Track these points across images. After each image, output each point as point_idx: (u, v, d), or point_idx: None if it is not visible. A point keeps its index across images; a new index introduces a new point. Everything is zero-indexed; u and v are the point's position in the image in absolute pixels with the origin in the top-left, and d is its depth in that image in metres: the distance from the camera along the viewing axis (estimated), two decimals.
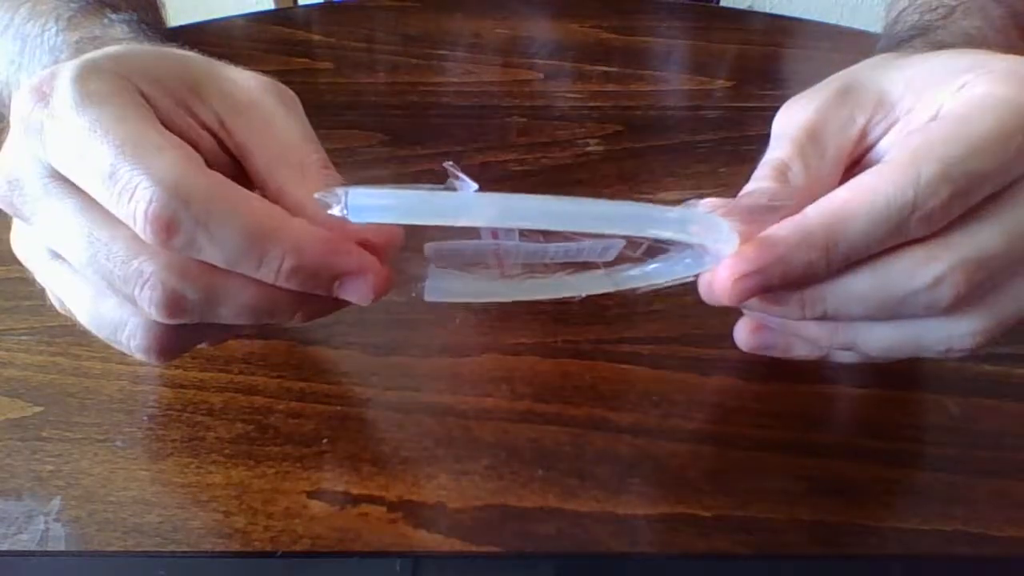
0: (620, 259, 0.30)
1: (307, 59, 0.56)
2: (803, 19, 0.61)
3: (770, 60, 0.58)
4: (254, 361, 0.37)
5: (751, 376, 0.36)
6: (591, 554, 0.30)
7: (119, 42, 0.37)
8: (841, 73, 0.32)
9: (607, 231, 0.27)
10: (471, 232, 0.28)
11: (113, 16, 0.40)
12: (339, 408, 0.35)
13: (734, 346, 0.33)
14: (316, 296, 0.28)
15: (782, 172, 0.29)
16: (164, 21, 0.49)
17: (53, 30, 0.40)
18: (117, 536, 0.31)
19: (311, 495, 0.32)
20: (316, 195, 0.26)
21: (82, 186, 0.27)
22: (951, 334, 0.28)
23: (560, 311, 0.38)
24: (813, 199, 0.27)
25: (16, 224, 0.30)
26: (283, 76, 0.31)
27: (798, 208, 0.27)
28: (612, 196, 0.30)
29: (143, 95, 0.28)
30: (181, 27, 0.58)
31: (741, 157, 0.47)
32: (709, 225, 0.27)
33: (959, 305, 0.27)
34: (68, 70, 0.27)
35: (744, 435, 0.34)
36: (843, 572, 0.30)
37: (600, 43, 0.58)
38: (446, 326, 0.38)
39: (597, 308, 0.38)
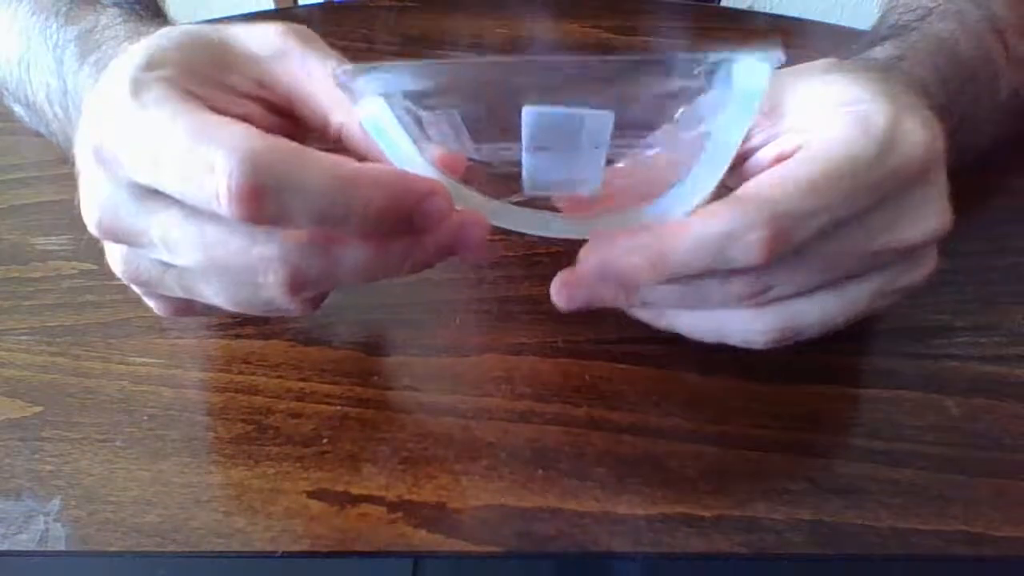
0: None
1: None
2: (803, 19, 0.61)
3: None
4: (254, 361, 0.37)
5: (751, 376, 0.36)
6: (591, 554, 0.30)
7: (111, 30, 0.38)
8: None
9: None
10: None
11: (105, 0, 0.40)
12: (339, 408, 0.35)
13: (734, 346, 0.33)
14: (414, 242, 0.28)
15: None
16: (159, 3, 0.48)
17: (54, 25, 0.40)
18: (117, 536, 0.31)
19: (311, 495, 0.32)
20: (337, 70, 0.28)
21: (169, 188, 0.27)
22: (748, 328, 0.31)
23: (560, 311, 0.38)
24: None
25: (112, 248, 0.31)
26: None
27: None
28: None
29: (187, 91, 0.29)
30: None
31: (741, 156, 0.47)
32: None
33: (751, 302, 0.30)
34: (121, 85, 0.28)
35: (744, 435, 0.34)
36: (843, 572, 0.30)
37: (600, 43, 0.58)
38: (446, 326, 0.38)
39: (597, 308, 0.38)
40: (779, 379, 0.36)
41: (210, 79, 0.30)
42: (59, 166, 0.47)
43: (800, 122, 0.31)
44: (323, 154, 0.27)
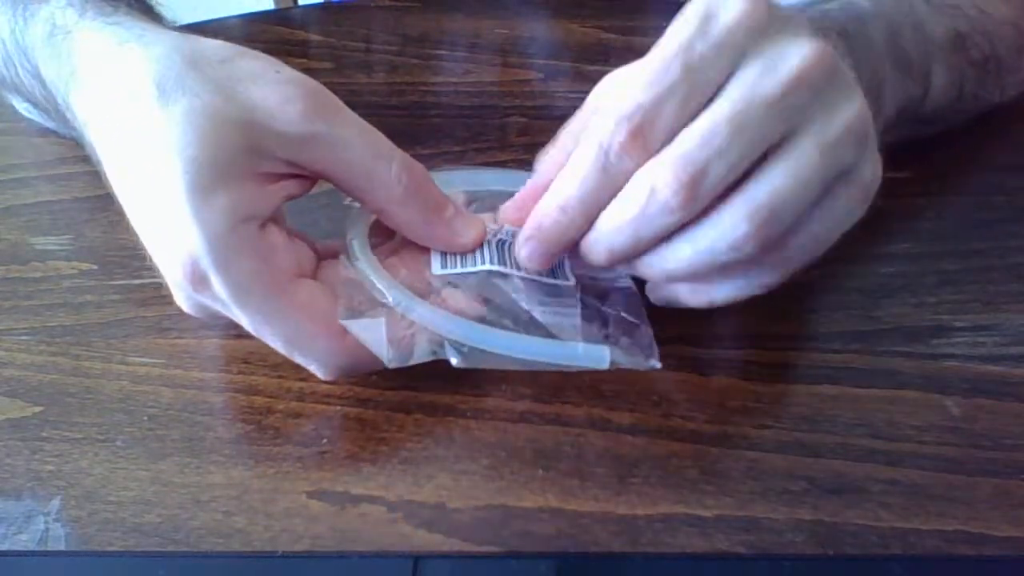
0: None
1: (306, 59, 0.56)
2: None
3: None
4: (254, 361, 0.37)
5: (751, 376, 0.36)
6: (591, 554, 0.30)
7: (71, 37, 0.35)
8: None
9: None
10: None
11: None
12: (339, 408, 0.35)
13: (734, 346, 0.33)
14: None
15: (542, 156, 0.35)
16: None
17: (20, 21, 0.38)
18: (117, 536, 0.31)
19: (311, 495, 0.32)
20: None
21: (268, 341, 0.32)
22: (724, 234, 0.30)
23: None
24: None
25: (181, 296, 0.33)
26: None
27: None
28: None
29: (246, 208, 0.30)
30: (181, 27, 0.57)
31: None
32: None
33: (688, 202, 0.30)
34: (207, 252, 0.29)
35: (744, 435, 0.34)
36: (843, 572, 0.30)
37: (600, 43, 0.58)
38: None
39: None
40: (779, 379, 0.36)
41: (252, 174, 0.31)
42: (58, 166, 0.47)
43: None
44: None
